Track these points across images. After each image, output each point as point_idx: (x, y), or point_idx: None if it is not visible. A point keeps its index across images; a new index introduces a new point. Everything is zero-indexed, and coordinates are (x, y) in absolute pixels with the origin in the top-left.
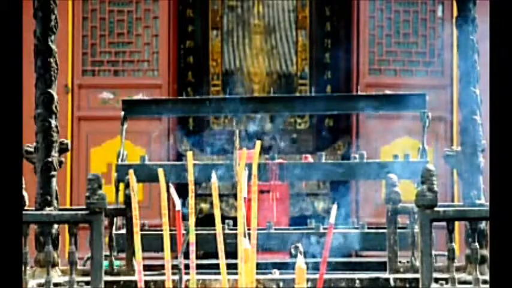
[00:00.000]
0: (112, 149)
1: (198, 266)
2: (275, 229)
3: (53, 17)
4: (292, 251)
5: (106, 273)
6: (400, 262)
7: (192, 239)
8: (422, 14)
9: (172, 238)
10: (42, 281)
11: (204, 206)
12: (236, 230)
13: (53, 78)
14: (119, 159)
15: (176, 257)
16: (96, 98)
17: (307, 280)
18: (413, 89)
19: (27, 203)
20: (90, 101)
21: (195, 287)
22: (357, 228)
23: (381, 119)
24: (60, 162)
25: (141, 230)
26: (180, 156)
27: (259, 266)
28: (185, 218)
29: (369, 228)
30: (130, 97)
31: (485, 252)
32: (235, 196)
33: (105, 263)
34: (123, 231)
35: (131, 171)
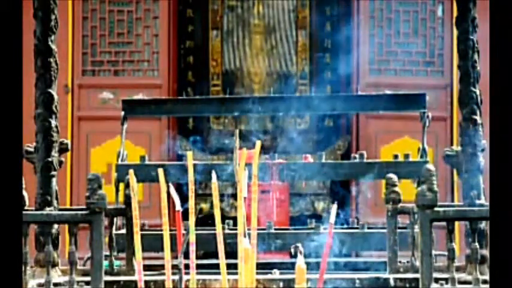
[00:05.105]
0: (112, 149)
1: (198, 266)
2: (275, 229)
3: (53, 17)
4: (292, 251)
5: (106, 273)
6: (400, 262)
7: (192, 239)
8: (422, 14)
9: (172, 238)
10: (42, 281)
11: (204, 206)
12: (236, 230)
13: (53, 78)
14: (119, 159)
15: (176, 257)
16: (96, 98)
17: (307, 280)
18: (413, 89)
19: (27, 203)
20: (90, 101)
21: (195, 287)
22: (357, 228)
23: (381, 119)
24: (60, 162)
25: (141, 230)
26: (180, 156)
27: (259, 266)
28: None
29: (369, 228)
30: (130, 97)
31: (485, 252)
32: (235, 196)
33: (105, 263)
34: (123, 231)
35: (131, 171)
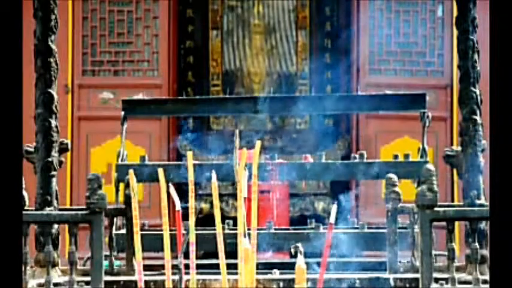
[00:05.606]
0: (112, 149)
1: (198, 266)
2: (275, 229)
3: (53, 17)
4: (292, 251)
5: (106, 273)
6: (400, 262)
7: (192, 239)
8: (422, 14)
9: (172, 238)
10: (42, 281)
11: (204, 206)
12: (236, 230)
13: (53, 78)
14: (119, 159)
15: (176, 257)
16: (96, 98)
17: (307, 280)
18: (414, 89)
19: (27, 203)
20: (90, 101)
21: (195, 287)
22: (357, 228)
23: (381, 119)
24: (60, 162)
25: (141, 230)
26: (180, 156)
27: (259, 266)
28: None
29: (369, 228)
30: (130, 97)
31: (485, 252)
32: (235, 196)
33: (105, 263)
34: (123, 231)
35: (131, 171)
